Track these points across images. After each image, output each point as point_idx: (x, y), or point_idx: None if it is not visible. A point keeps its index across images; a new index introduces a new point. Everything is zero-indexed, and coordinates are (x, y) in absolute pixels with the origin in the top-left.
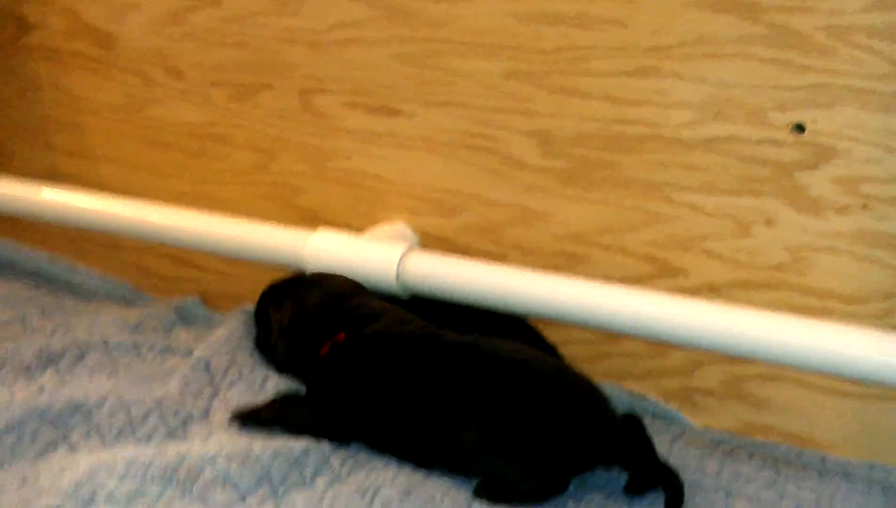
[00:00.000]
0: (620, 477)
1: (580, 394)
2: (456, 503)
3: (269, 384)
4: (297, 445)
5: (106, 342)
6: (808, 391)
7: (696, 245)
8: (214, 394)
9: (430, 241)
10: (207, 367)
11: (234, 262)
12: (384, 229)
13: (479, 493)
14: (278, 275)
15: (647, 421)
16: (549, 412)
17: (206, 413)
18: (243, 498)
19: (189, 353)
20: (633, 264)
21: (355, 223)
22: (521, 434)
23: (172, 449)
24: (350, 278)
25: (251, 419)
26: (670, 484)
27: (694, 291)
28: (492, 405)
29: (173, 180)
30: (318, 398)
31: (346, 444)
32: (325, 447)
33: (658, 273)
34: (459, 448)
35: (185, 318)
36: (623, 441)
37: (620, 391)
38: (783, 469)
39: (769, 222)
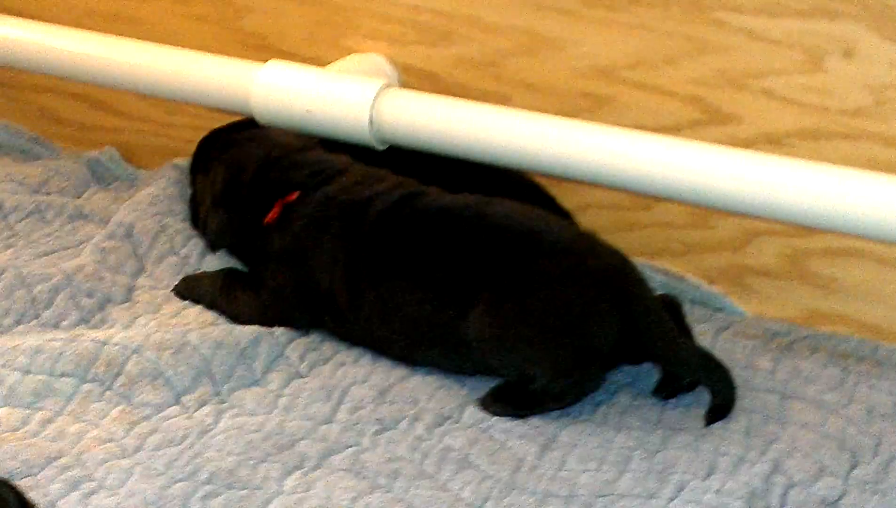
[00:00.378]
0: (647, 375)
1: (609, 269)
2: (445, 406)
3: (208, 258)
4: (243, 333)
5: (1, 205)
6: (889, 269)
7: (753, 83)
8: (139, 270)
9: (413, 77)
10: (130, 235)
11: (161, 104)
12: (354, 61)
13: (491, 400)
14: (218, 122)
15: (686, 308)
16: (574, 292)
17: (128, 293)
18: (177, 398)
19: (106, 219)
20: (672, 108)
21: (317, 54)
22: (543, 318)
23: (87, 337)
24: (300, 133)
25: (185, 293)
26: (718, 385)
27: (749, 142)
28: (502, 284)
29: None
30: (265, 277)
31: (303, 333)
32: (279, 335)
33: (704, 119)
34: (455, 337)
35: (100, 175)
36: (660, 329)
37: (653, 270)
38: (853, 367)
39: (847, 53)
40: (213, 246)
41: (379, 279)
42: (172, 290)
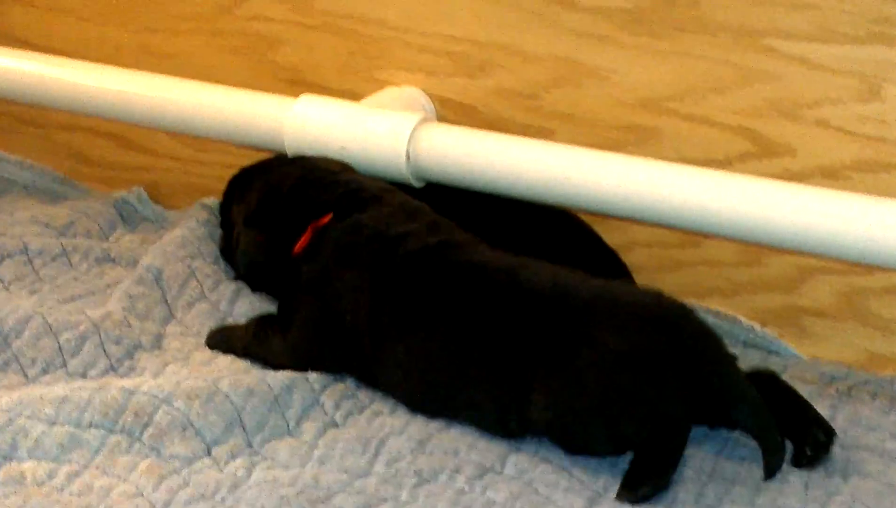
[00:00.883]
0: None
1: (689, 335)
2: (486, 457)
3: (239, 303)
4: (276, 380)
5: (26, 248)
6: None
7: (806, 113)
8: (168, 316)
9: (450, 110)
10: (158, 280)
11: (191, 142)
12: (389, 94)
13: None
14: (248, 160)
15: (738, 351)
16: (637, 365)
17: (157, 341)
18: (208, 450)
19: (134, 262)
20: (721, 140)
21: (351, 87)
22: (610, 399)
23: (115, 385)
24: (339, 160)
25: (217, 344)
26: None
27: (803, 175)
28: (558, 362)
29: (110, 29)
30: (294, 315)
31: (338, 379)
32: (313, 381)
33: (755, 152)
34: (491, 406)
35: (128, 217)
36: (746, 396)
37: (702, 311)
38: None
39: None
40: (243, 268)
41: (405, 330)
42: (206, 342)
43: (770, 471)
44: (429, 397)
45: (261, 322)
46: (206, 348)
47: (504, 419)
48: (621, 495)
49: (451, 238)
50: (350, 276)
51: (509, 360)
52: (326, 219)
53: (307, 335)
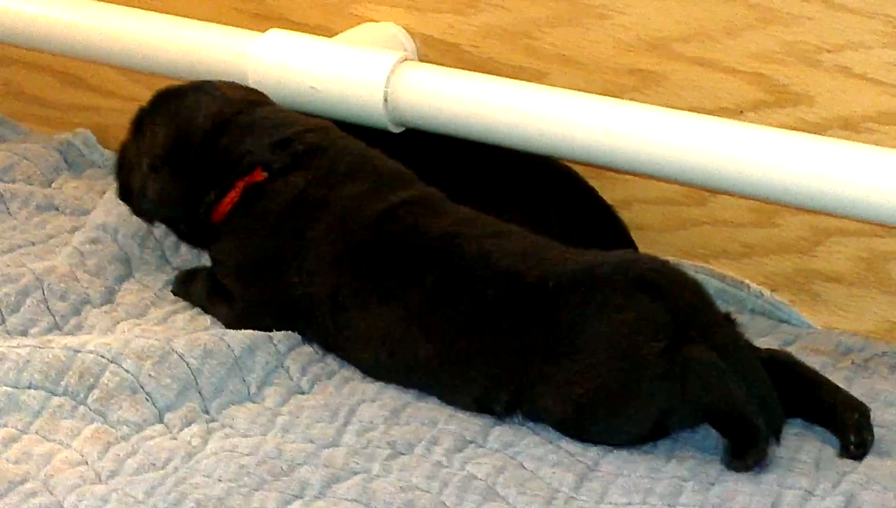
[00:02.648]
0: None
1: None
2: (468, 428)
3: (205, 260)
4: (237, 340)
5: None
6: None
7: (826, 58)
8: (126, 274)
9: (433, 50)
10: (114, 240)
11: (143, 80)
12: (366, 31)
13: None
14: None
15: (744, 319)
16: (634, 339)
17: (109, 296)
18: (160, 416)
19: (80, 211)
20: (732, 86)
21: (324, 23)
22: (617, 382)
23: (58, 344)
24: (308, 109)
25: (180, 291)
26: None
27: (822, 126)
28: (553, 349)
29: None
30: (233, 286)
31: (304, 341)
32: (277, 343)
33: (770, 100)
34: (473, 387)
35: (73, 161)
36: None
37: (708, 274)
38: None
39: None
40: (150, 216)
41: (365, 303)
42: (171, 289)
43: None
44: (398, 371)
45: (212, 279)
46: (164, 303)
47: (485, 400)
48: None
49: (409, 194)
50: (303, 249)
51: (489, 341)
52: (258, 177)
53: (252, 312)
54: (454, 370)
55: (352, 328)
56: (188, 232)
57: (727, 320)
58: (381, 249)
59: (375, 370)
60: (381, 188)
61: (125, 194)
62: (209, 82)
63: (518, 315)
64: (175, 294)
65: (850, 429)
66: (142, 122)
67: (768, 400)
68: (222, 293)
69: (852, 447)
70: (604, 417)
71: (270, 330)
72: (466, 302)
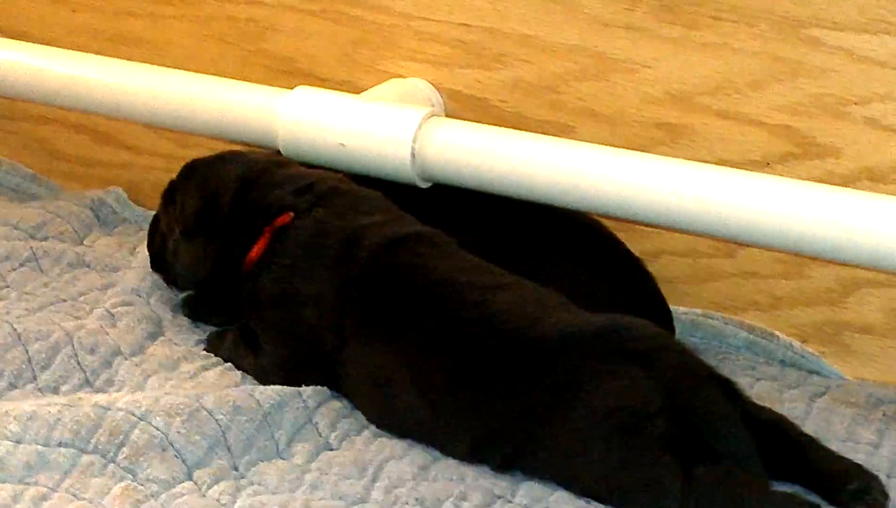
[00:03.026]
0: None
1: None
2: (496, 484)
3: None
4: (266, 396)
5: None
6: None
7: (853, 110)
8: (156, 332)
9: (461, 105)
10: (148, 302)
11: (174, 137)
12: (394, 86)
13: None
14: None
15: (774, 370)
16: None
17: (139, 349)
18: (189, 473)
19: (111, 268)
20: (759, 139)
21: (351, 79)
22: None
23: (88, 402)
24: (336, 166)
25: (211, 348)
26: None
27: (849, 178)
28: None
29: (85, 13)
30: (260, 334)
31: (333, 396)
32: (306, 398)
33: (797, 152)
34: (462, 439)
35: (105, 218)
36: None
37: (738, 326)
38: None
39: None
40: (183, 284)
41: (363, 337)
42: (204, 347)
43: None
44: (390, 415)
45: (243, 332)
46: (195, 358)
47: (477, 455)
48: None
49: (414, 230)
50: (316, 275)
51: (481, 396)
52: (285, 219)
53: (280, 356)
54: (443, 421)
55: (350, 364)
56: (222, 294)
57: (715, 381)
58: (383, 282)
59: (371, 413)
60: (391, 222)
61: (157, 264)
62: (234, 151)
63: (512, 374)
64: (206, 350)
65: (849, 501)
66: (172, 193)
67: (747, 463)
68: (250, 344)
69: None
70: (599, 491)
71: (299, 378)
72: (456, 354)
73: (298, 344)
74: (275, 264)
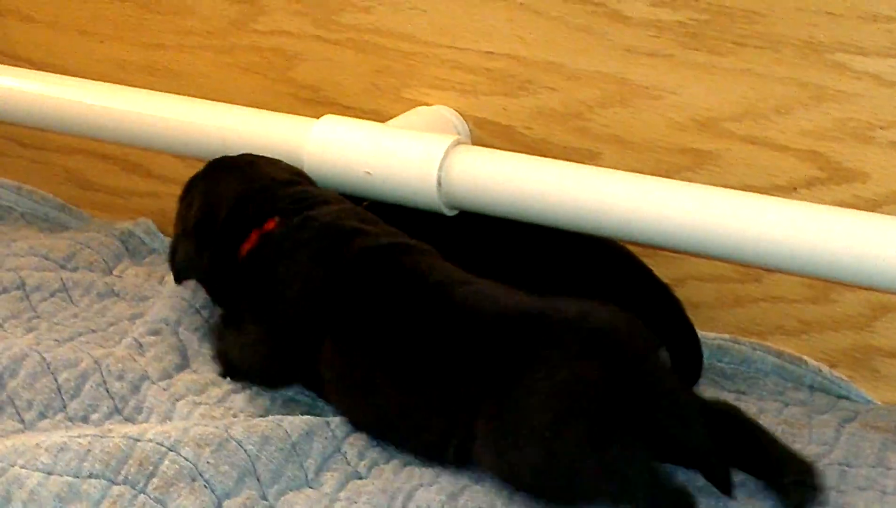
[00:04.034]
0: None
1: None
2: None
3: None
4: (294, 425)
5: (23, 282)
6: None
7: (880, 135)
8: (183, 363)
9: (486, 132)
10: (175, 333)
11: (201, 166)
12: (419, 115)
13: None
14: None
15: (803, 395)
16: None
17: (167, 374)
18: (219, 503)
19: (139, 298)
20: (785, 165)
21: (377, 108)
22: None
23: (118, 433)
24: (362, 193)
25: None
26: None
27: (876, 203)
28: (498, 398)
29: (114, 44)
30: (246, 318)
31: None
32: (335, 428)
33: (823, 177)
34: (429, 434)
35: (134, 249)
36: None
37: (765, 351)
38: None
39: None
40: (176, 277)
41: (346, 332)
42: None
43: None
44: (363, 413)
45: (225, 316)
46: (223, 383)
47: (442, 447)
48: None
49: (408, 242)
50: (300, 272)
51: (449, 383)
52: (272, 224)
53: (261, 335)
54: (415, 415)
55: (326, 361)
56: (221, 297)
57: (675, 378)
58: (368, 283)
59: (346, 409)
60: (385, 233)
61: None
62: (252, 159)
63: (471, 359)
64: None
65: (789, 490)
66: (191, 187)
67: (706, 453)
68: (234, 325)
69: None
70: (520, 480)
71: (274, 365)
72: (429, 347)
73: (279, 340)
74: (261, 257)
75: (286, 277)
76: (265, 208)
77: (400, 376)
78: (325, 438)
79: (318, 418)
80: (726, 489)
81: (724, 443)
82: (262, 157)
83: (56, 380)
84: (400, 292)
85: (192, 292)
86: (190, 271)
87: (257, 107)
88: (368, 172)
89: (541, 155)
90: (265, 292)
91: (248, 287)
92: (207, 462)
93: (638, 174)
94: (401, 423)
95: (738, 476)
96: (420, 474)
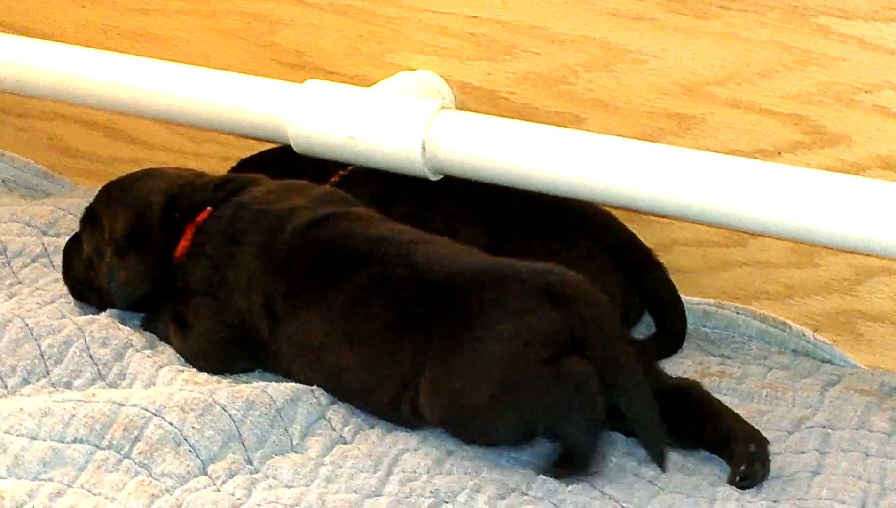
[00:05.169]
0: None
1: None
2: (510, 476)
3: None
4: (279, 391)
5: (4, 248)
6: None
7: (864, 98)
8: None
9: (471, 97)
10: None
11: (186, 133)
12: (404, 79)
13: (556, 468)
14: (249, 151)
15: (787, 359)
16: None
17: (151, 342)
18: (204, 467)
19: None
20: (770, 128)
21: (361, 72)
22: (495, 390)
23: (102, 398)
24: (346, 159)
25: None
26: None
27: (860, 167)
28: (441, 351)
29: (95, 9)
30: (191, 316)
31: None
32: (319, 395)
33: (808, 141)
34: (383, 394)
35: None
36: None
37: (750, 315)
38: None
39: None
40: (122, 303)
41: (297, 309)
42: (141, 325)
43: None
44: (324, 380)
45: (174, 315)
46: None
47: (396, 405)
48: (547, 472)
49: (342, 209)
50: (240, 260)
51: (400, 342)
52: (204, 214)
53: (208, 338)
54: (371, 373)
55: (284, 341)
56: (156, 296)
57: (629, 342)
58: (307, 254)
59: (305, 379)
60: (315, 205)
61: (81, 291)
62: (152, 169)
63: (426, 315)
64: (144, 328)
65: (739, 460)
66: (93, 217)
67: (647, 424)
68: (181, 325)
69: (738, 477)
70: (475, 417)
71: (224, 362)
72: (383, 304)
73: (229, 330)
74: (201, 255)
75: (227, 273)
76: (194, 200)
77: (350, 340)
78: (310, 404)
79: (301, 385)
80: (660, 461)
81: (679, 419)
82: (155, 168)
83: (39, 346)
84: (338, 260)
85: None
86: (143, 285)
87: (240, 72)
88: (352, 138)
89: (525, 120)
90: (206, 288)
91: (188, 285)
92: (192, 427)
93: (622, 139)
94: (354, 385)
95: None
96: (405, 439)
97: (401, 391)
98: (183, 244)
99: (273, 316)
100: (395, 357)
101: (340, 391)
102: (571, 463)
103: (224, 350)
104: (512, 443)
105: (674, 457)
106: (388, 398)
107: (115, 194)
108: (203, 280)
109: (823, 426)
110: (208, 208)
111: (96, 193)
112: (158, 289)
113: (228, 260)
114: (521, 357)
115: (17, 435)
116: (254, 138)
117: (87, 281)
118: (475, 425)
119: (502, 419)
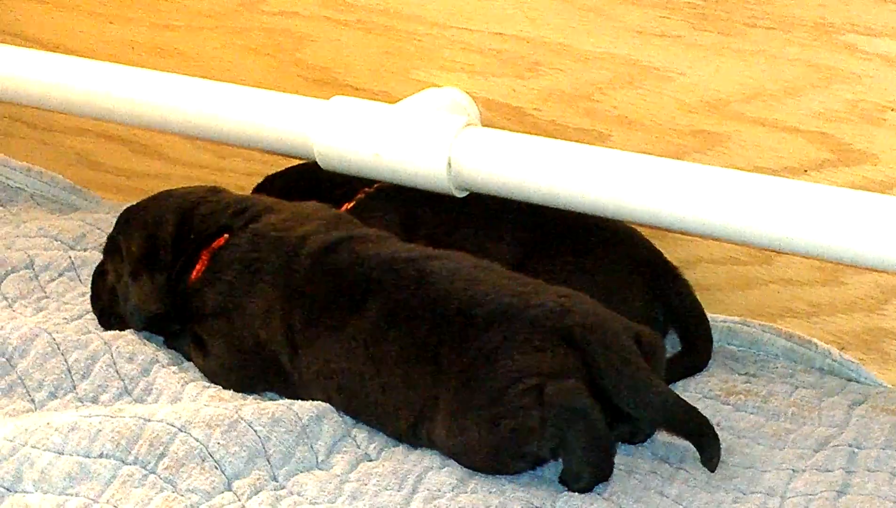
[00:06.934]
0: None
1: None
2: (535, 495)
3: None
4: (304, 408)
5: (32, 262)
6: None
7: (890, 116)
8: None
9: (496, 114)
10: None
11: (211, 148)
12: (429, 95)
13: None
14: (274, 167)
15: (812, 378)
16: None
17: (177, 358)
18: (229, 483)
19: None
20: (795, 146)
21: (386, 89)
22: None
23: (128, 413)
24: (371, 175)
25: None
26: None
27: (886, 185)
28: (458, 377)
29: (123, 25)
30: (209, 340)
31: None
32: (344, 413)
33: (833, 159)
34: (405, 422)
35: None
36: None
37: (775, 334)
38: None
39: None
40: (141, 322)
41: (316, 334)
42: (164, 342)
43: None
44: (344, 407)
45: (194, 336)
46: None
47: (414, 432)
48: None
49: (354, 232)
50: (258, 289)
51: (414, 372)
52: (221, 241)
53: (227, 363)
54: (388, 401)
55: (306, 368)
56: (177, 323)
57: (650, 374)
58: (322, 281)
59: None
60: (327, 229)
61: (106, 320)
62: (167, 190)
63: (437, 345)
64: (167, 345)
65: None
66: (113, 244)
67: (697, 433)
68: (201, 346)
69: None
70: (478, 455)
71: (245, 383)
72: (403, 327)
73: (246, 355)
74: (216, 280)
75: (244, 301)
76: (209, 221)
77: (367, 368)
78: (335, 422)
79: (326, 404)
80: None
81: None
82: (168, 189)
83: (66, 361)
84: (351, 287)
85: None
86: (154, 305)
87: (266, 88)
88: (378, 154)
89: (550, 136)
90: (220, 312)
91: (203, 308)
92: (218, 443)
93: (647, 156)
94: (374, 412)
95: None
96: (431, 457)
97: (418, 421)
98: (198, 269)
99: (293, 345)
100: (411, 387)
101: (361, 417)
102: (577, 482)
103: (239, 374)
104: (522, 471)
105: (697, 475)
106: (406, 426)
107: (130, 220)
108: (217, 305)
109: (850, 445)
110: (225, 235)
111: (120, 211)
112: (174, 310)
113: (247, 288)
114: (517, 394)
115: (44, 450)
116: (279, 154)
117: (112, 309)
118: (481, 461)
119: (503, 456)
